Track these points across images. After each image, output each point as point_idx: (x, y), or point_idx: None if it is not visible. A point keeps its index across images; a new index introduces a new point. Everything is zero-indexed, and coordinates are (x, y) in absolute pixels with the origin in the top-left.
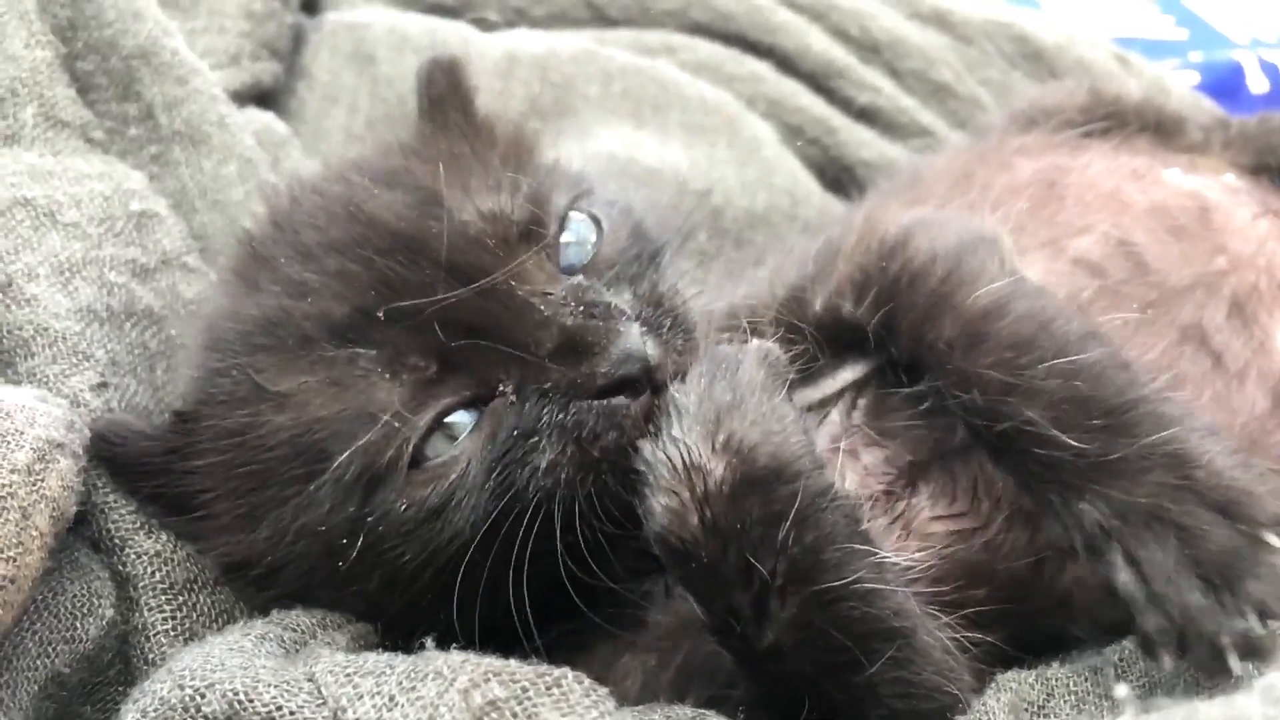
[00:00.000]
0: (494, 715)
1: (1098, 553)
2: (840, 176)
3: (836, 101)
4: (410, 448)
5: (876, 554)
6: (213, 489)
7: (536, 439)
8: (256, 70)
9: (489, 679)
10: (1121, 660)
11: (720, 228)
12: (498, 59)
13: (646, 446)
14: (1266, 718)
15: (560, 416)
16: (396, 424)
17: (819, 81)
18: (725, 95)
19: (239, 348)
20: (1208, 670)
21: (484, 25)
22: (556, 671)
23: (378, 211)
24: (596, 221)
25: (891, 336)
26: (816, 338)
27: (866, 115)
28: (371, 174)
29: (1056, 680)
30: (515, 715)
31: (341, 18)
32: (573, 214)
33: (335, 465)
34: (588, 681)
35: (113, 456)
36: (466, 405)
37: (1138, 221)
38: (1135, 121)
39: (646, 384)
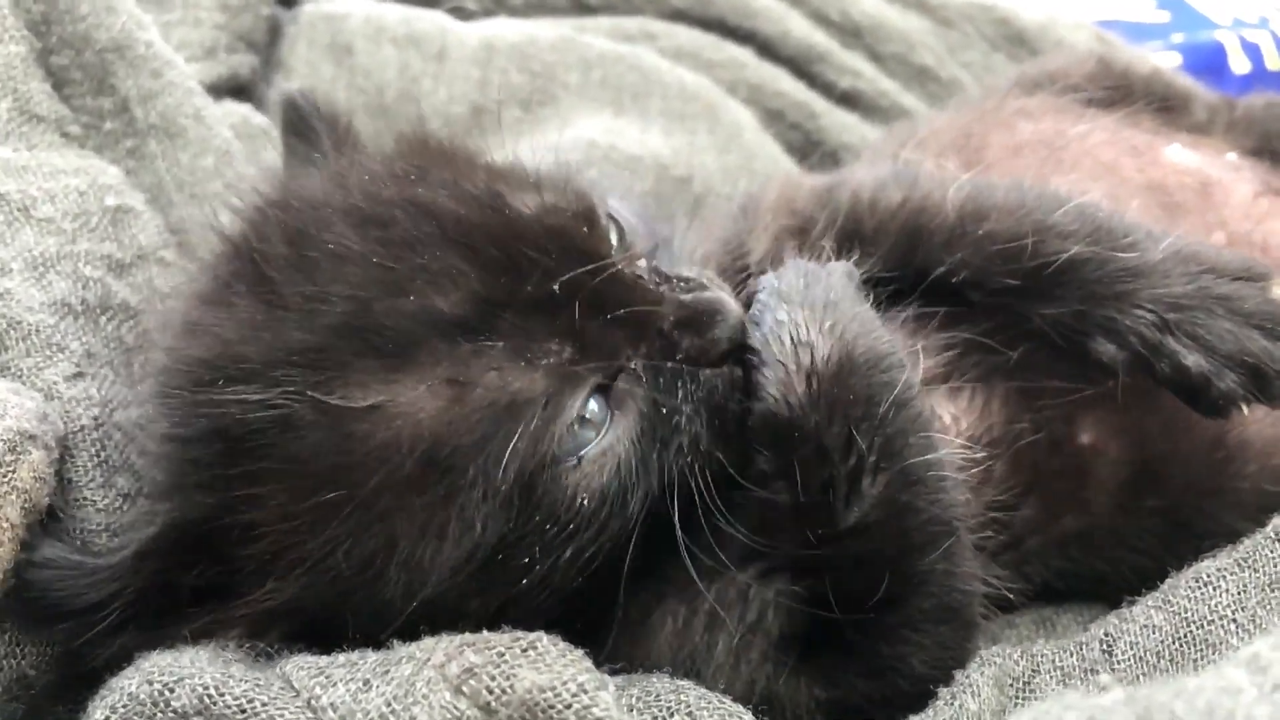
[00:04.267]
0: (472, 681)
1: (1159, 351)
2: (822, 161)
3: (818, 86)
4: (568, 437)
5: (950, 444)
6: (264, 550)
7: (677, 413)
8: (233, 63)
9: (463, 650)
10: (1108, 635)
11: (700, 214)
12: (475, 48)
13: (755, 330)
14: (1255, 684)
15: (693, 387)
16: (548, 414)
17: (800, 66)
18: (705, 81)
19: (276, 372)
20: None
21: (462, 14)
22: (532, 635)
23: (451, 206)
24: (612, 216)
25: (861, 257)
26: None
27: (848, 99)
28: (395, 175)
29: (1042, 657)
30: (494, 678)
31: (318, 8)
32: (611, 204)
33: (485, 475)
34: (563, 644)
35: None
36: (601, 397)
37: (1134, 194)
38: (1142, 95)
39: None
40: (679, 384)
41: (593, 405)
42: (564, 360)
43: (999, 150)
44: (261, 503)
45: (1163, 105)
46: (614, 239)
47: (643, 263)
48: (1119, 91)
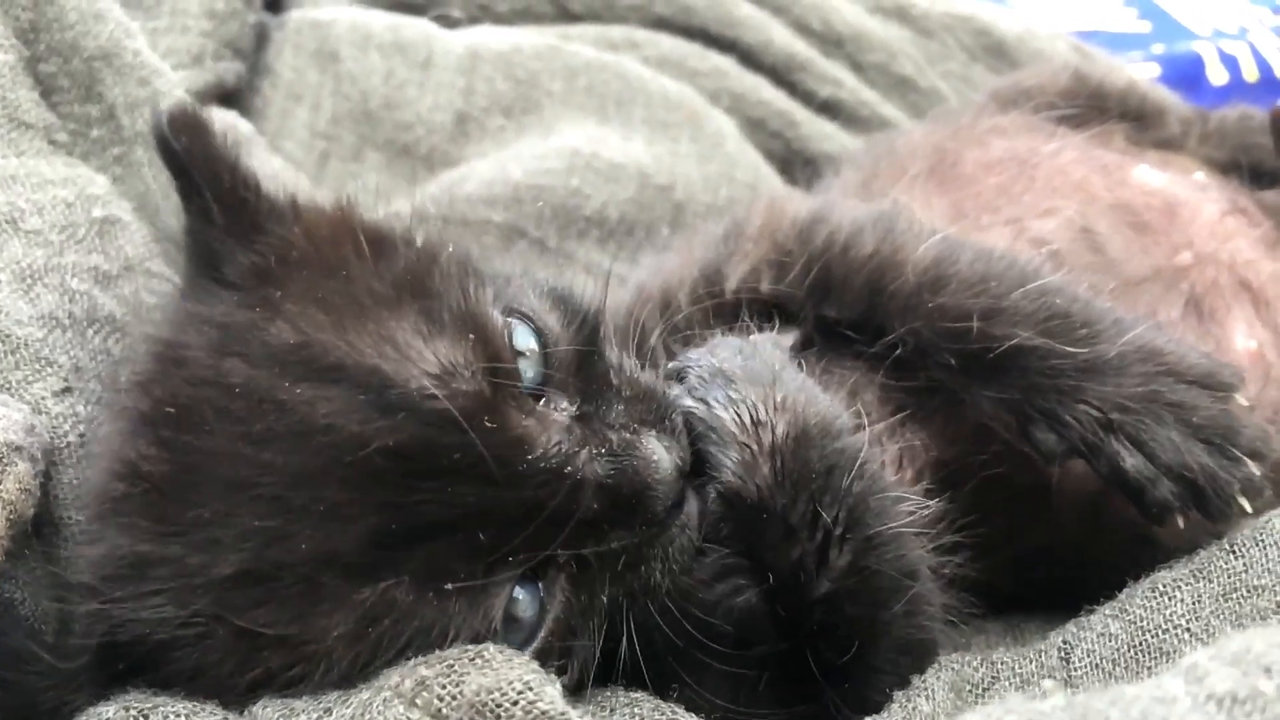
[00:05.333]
0: (425, 693)
1: (1098, 450)
2: (804, 171)
3: (799, 95)
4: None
5: (905, 500)
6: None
7: (620, 586)
8: (219, 70)
9: (416, 667)
10: (1065, 643)
11: (682, 222)
12: (461, 56)
13: (698, 407)
14: (1190, 695)
15: (634, 563)
16: (466, 639)
17: (781, 75)
18: (688, 90)
19: (185, 594)
20: (1221, 515)
21: (447, 22)
22: (479, 646)
23: (330, 422)
24: (529, 319)
25: (829, 301)
26: (733, 313)
27: (829, 108)
28: (274, 365)
29: (1002, 664)
30: (444, 686)
31: (305, 15)
32: (514, 323)
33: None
34: (509, 650)
35: None
36: (520, 583)
37: (1102, 214)
38: (1116, 109)
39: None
40: (616, 565)
41: (521, 602)
42: (475, 581)
43: (973, 167)
44: (179, 681)
45: (1136, 118)
46: (528, 364)
47: (563, 409)
48: (1093, 107)
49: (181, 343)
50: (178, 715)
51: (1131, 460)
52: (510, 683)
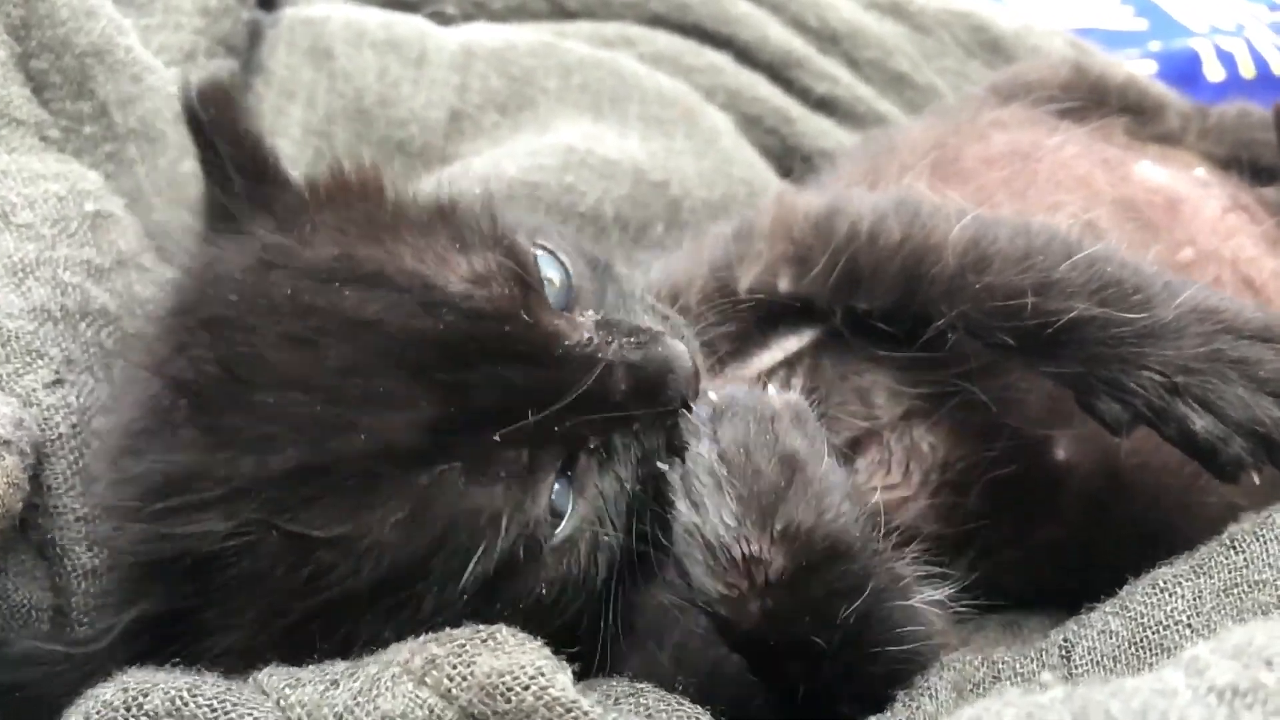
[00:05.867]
0: (434, 672)
1: (1166, 415)
2: (798, 166)
3: (795, 91)
4: (540, 536)
5: (916, 592)
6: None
7: (653, 477)
8: (213, 67)
9: (426, 644)
10: (1066, 640)
11: (678, 219)
12: (455, 53)
13: (686, 515)
14: (1191, 687)
15: (658, 442)
16: (519, 523)
17: (777, 72)
18: (683, 87)
19: (235, 503)
20: None
21: (441, 19)
22: (492, 627)
23: (380, 317)
24: (552, 253)
25: (859, 293)
26: (744, 314)
27: (825, 105)
28: (317, 275)
29: (1003, 663)
30: (455, 665)
31: (299, 13)
32: (538, 253)
33: (444, 589)
34: (522, 634)
35: None
36: (562, 475)
37: (1106, 210)
38: (1116, 102)
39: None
40: (644, 448)
41: (559, 491)
42: (523, 466)
43: (973, 162)
44: (226, 607)
45: (1136, 112)
46: (554, 290)
47: (589, 316)
48: (1093, 100)
49: (219, 266)
50: (177, 691)
51: (1201, 421)
52: (522, 666)
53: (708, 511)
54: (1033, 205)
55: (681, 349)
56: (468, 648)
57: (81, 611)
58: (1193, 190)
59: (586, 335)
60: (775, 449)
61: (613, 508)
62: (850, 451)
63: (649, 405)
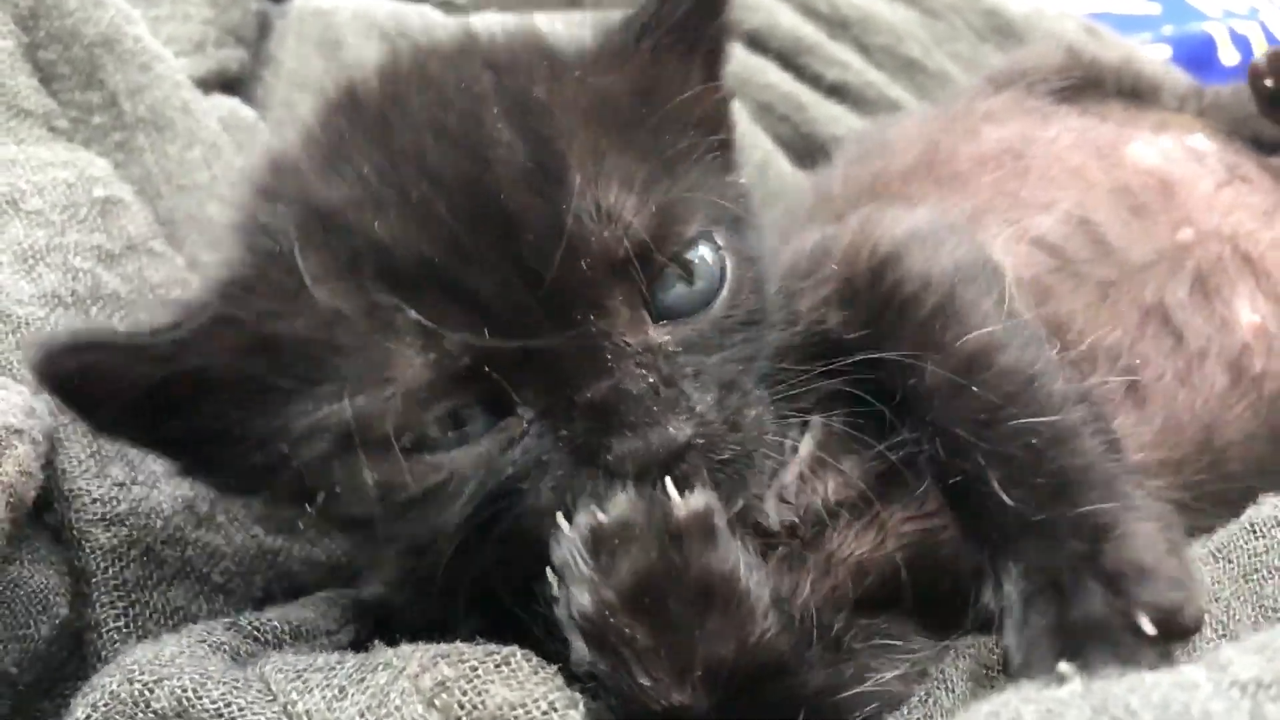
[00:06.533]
0: (444, 695)
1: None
2: (811, 152)
3: (806, 78)
4: (407, 437)
5: (860, 682)
6: (217, 387)
7: (535, 479)
8: (222, 57)
9: (437, 662)
10: None
11: None
12: None
13: (586, 659)
14: (1213, 681)
15: (561, 474)
16: (401, 404)
17: (788, 58)
18: None
19: (296, 228)
20: None
21: (450, 9)
22: (505, 650)
23: (494, 157)
24: (724, 268)
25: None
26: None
27: (836, 91)
28: (505, 97)
29: None
30: (465, 693)
31: (308, 3)
32: (701, 249)
33: (330, 408)
34: (536, 659)
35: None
36: (486, 408)
37: (1100, 200)
38: (1112, 85)
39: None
40: (554, 456)
41: (476, 423)
42: (455, 369)
43: (967, 163)
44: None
45: (1132, 94)
46: (676, 289)
47: (659, 336)
48: (1089, 80)
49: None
50: (184, 689)
51: (1010, 639)
52: (535, 700)
53: (616, 668)
54: (1027, 206)
55: (676, 443)
56: (480, 672)
57: (103, 592)
58: (1186, 169)
59: (634, 345)
60: (686, 576)
61: (497, 486)
62: (887, 481)
63: (593, 424)
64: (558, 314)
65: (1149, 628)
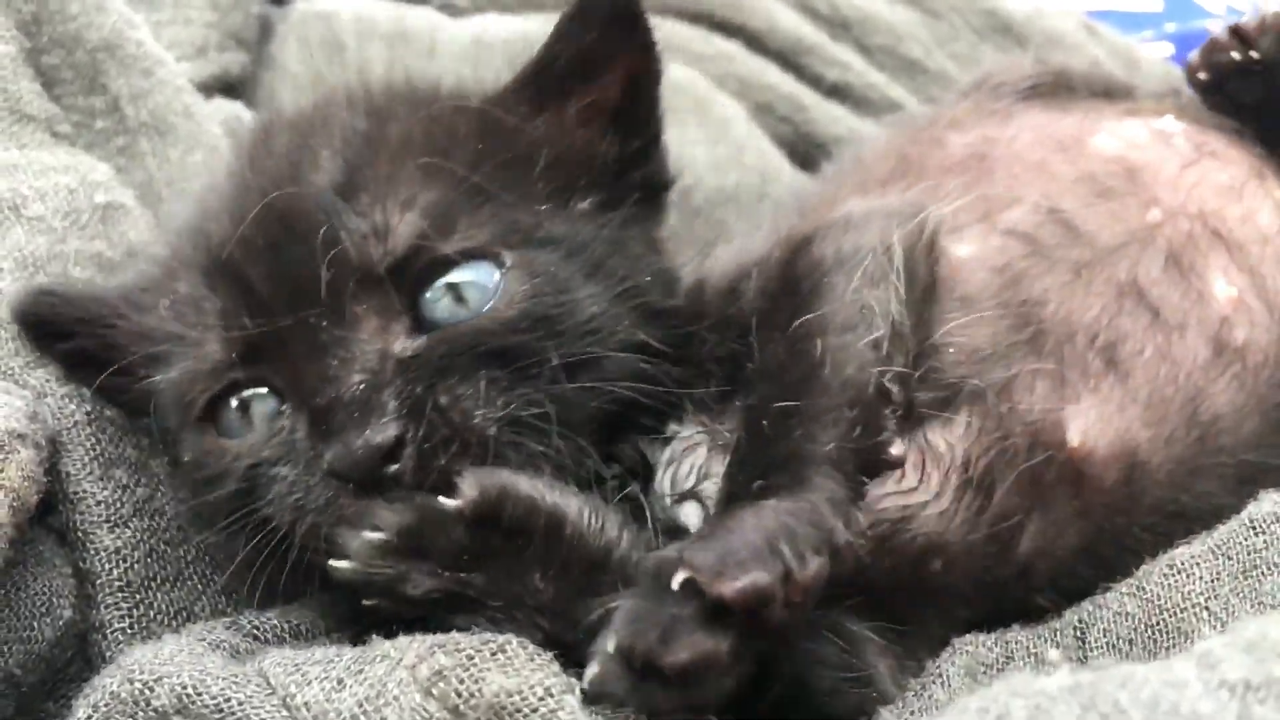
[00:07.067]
0: (441, 684)
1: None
2: (812, 153)
3: (806, 79)
4: (203, 401)
5: None
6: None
7: (280, 469)
8: (224, 61)
9: (434, 651)
10: (1081, 621)
11: (691, 207)
12: (466, 44)
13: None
14: (1203, 680)
15: (297, 471)
16: (200, 376)
17: (788, 59)
18: (694, 75)
19: (180, 234)
20: None
21: (452, 11)
22: (501, 638)
23: (307, 179)
24: (498, 284)
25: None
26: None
27: (837, 92)
28: (341, 132)
29: (1016, 643)
30: (462, 681)
31: (310, 6)
32: (473, 267)
33: (167, 377)
34: (532, 647)
35: (50, 314)
36: (273, 392)
37: (1066, 189)
38: (1083, 89)
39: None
40: (295, 452)
41: (263, 407)
42: (247, 346)
43: (935, 171)
44: None
45: (1106, 95)
46: (444, 304)
47: (397, 346)
48: (1059, 83)
49: None
50: (184, 687)
51: None
52: (532, 687)
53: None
54: (995, 204)
55: (369, 449)
56: (476, 660)
57: (108, 593)
58: (1151, 152)
59: (366, 353)
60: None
61: (256, 470)
62: None
63: (319, 426)
64: (300, 313)
65: (675, 583)
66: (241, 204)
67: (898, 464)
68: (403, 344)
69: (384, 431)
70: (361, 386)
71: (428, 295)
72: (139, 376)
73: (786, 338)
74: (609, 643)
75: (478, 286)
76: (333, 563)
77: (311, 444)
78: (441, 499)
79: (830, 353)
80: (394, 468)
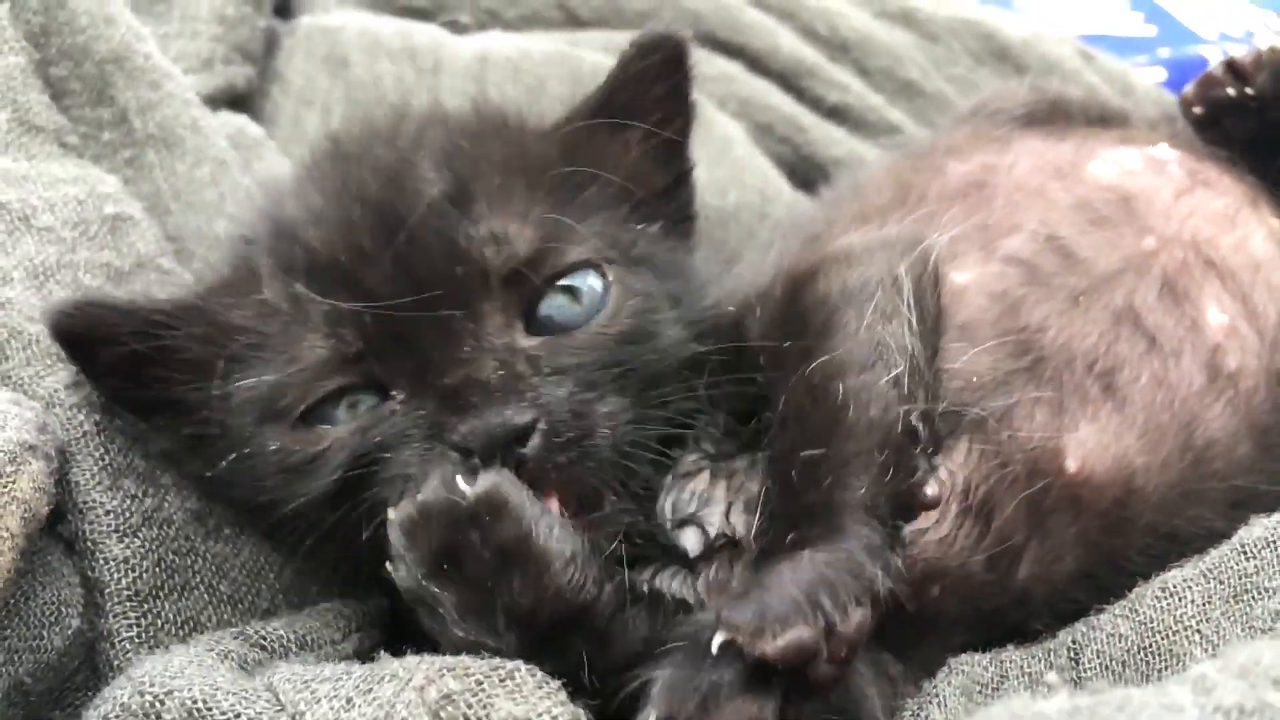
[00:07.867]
0: (450, 709)
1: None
2: (811, 174)
3: (806, 100)
4: (303, 406)
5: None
6: (181, 364)
7: (394, 454)
8: (230, 74)
9: (444, 674)
10: (1075, 643)
11: None
12: (469, 61)
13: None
14: (1198, 706)
15: (418, 447)
16: (304, 379)
17: (789, 80)
18: (696, 95)
19: (263, 237)
20: None
21: (456, 28)
22: (510, 664)
23: (412, 188)
24: (606, 294)
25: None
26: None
27: (837, 113)
28: (440, 147)
29: (1011, 662)
30: (470, 706)
31: (315, 21)
32: (584, 276)
33: (260, 379)
34: (540, 674)
35: (90, 326)
36: (376, 391)
37: (1064, 216)
38: (1079, 116)
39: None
40: (413, 432)
41: (366, 402)
42: (348, 352)
43: (935, 199)
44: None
45: (1101, 123)
46: (562, 307)
47: (524, 342)
48: (1055, 110)
49: None
50: (194, 700)
51: None
52: (539, 714)
53: (438, 624)
54: (995, 233)
55: (508, 425)
56: (485, 685)
57: (116, 602)
58: (1146, 180)
59: (496, 343)
60: (482, 545)
61: (362, 458)
62: None
63: (446, 405)
64: (431, 309)
65: (714, 646)
66: (345, 211)
67: (934, 504)
68: (523, 340)
69: (524, 414)
70: (500, 372)
71: (547, 297)
72: (199, 379)
73: (804, 381)
74: (650, 716)
75: (591, 293)
76: (389, 510)
77: (441, 418)
78: (460, 478)
79: (852, 395)
80: (523, 451)
